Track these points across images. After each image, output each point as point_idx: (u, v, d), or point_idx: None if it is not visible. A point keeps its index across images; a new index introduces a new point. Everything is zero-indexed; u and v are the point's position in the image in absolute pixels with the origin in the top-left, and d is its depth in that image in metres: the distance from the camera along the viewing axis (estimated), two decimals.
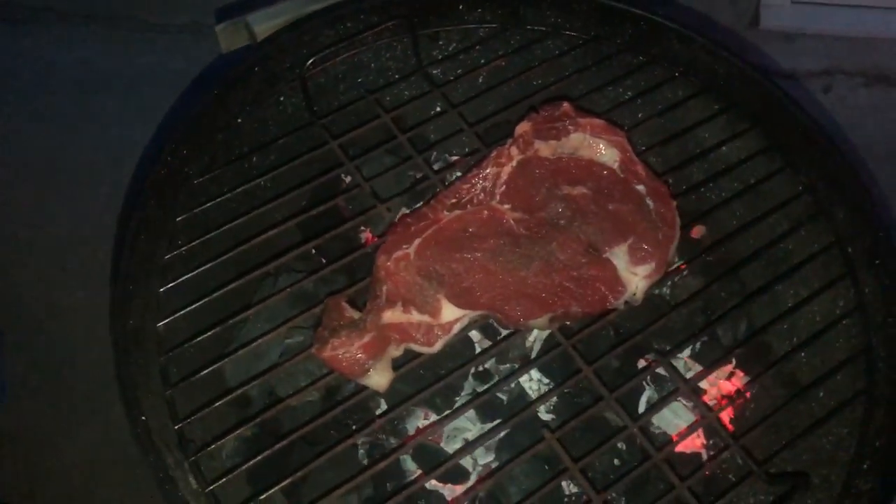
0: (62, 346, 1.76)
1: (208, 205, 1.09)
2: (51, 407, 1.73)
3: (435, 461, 1.05)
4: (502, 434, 1.10)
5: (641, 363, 1.18)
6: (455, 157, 1.31)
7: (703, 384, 1.19)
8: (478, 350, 1.15)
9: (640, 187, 1.10)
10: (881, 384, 1.01)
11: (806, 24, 2.26)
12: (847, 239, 1.10)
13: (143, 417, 0.89)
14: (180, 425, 0.94)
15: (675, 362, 1.21)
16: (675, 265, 1.19)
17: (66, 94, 2.09)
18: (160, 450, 0.89)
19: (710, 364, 1.08)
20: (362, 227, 1.27)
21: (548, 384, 1.15)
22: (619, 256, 1.04)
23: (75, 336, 1.76)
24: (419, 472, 1.09)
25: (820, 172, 1.14)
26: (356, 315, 1.00)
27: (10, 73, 2.13)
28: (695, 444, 1.18)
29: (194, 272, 1.04)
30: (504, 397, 1.14)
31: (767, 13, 2.28)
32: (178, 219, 1.07)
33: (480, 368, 1.16)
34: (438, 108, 1.21)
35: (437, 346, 1.00)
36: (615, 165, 1.11)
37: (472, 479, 1.11)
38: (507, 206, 1.07)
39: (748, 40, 2.25)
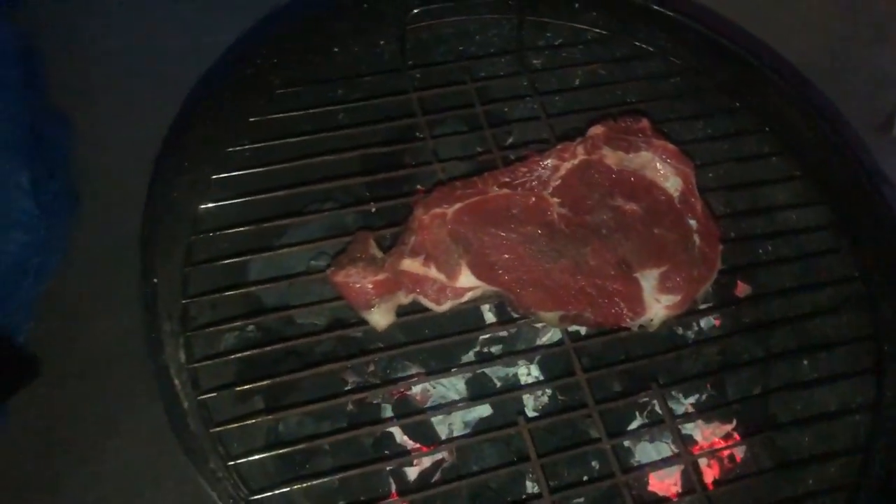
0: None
1: (282, 115, 1.14)
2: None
3: (413, 415, 1.08)
4: (484, 414, 1.12)
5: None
6: (522, 143, 1.32)
7: (697, 435, 1.17)
8: (486, 326, 1.16)
9: (692, 222, 1.09)
10: (870, 486, 0.98)
11: None
12: (885, 336, 1.07)
13: (155, 281, 0.94)
14: (187, 301, 0.99)
15: (675, 406, 1.19)
16: (705, 308, 1.18)
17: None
18: (160, 316, 0.94)
19: (707, 414, 1.06)
20: (418, 185, 1.30)
21: (543, 380, 1.15)
22: (648, 279, 1.04)
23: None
24: (394, 420, 1.12)
25: (880, 263, 1.10)
26: (379, 253, 1.03)
27: None
28: (669, 489, 1.16)
29: (249, 170, 1.09)
30: (497, 382, 1.15)
31: None
32: (250, 119, 1.12)
33: (485, 350, 1.17)
34: (523, 93, 1.22)
35: (445, 307, 1.02)
36: (675, 194, 1.10)
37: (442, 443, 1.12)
38: (555, 200, 1.08)
39: (872, 142, 2.16)
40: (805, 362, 1.14)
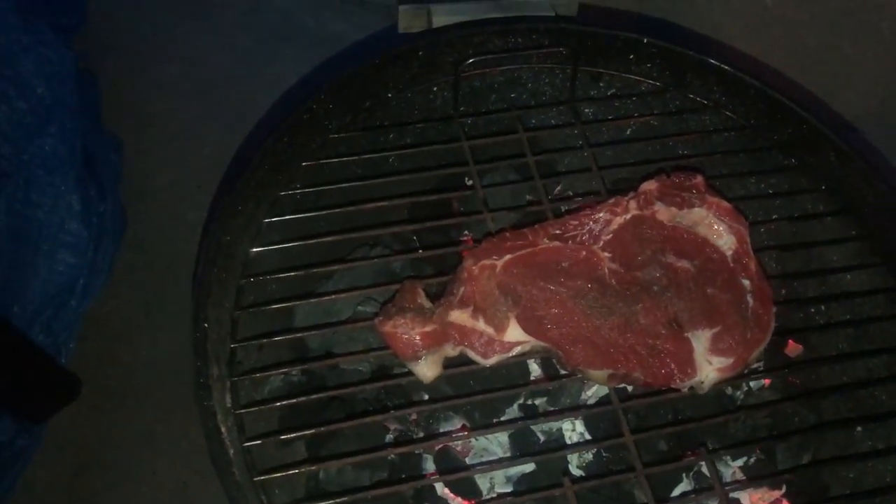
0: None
1: (335, 160, 1.15)
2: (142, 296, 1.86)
3: (454, 470, 1.06)
4: (526, 470, 1.10)
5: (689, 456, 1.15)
6: (572, 195, 1.31)
7: (745, 500, 1.14)
8: (532, 379, 1.15)
9: (746, 282, 1.07)
10: None
11: None
12: None
13: (206, 325, 0.94)
14: (236, 345, 0.99)
15: (724, 469, 1.17)
16: (757, 370, 1.16)
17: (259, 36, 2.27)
18: (209, 359, 0.94)
19: (756, 481, 1.03)
20: (466, 231, 1.30)
21: (589, 439, 1.13)
22: (699, 340, 1.02)
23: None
24: (436, 473, 1.10)
25: None
26: (427, 304, 1.02)
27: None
28: None
29: (300, 215, 1.10)
30: (541, 436, 1.13)
31: None
32: (303, 163, 1.13)
33: (529, 403, 1.16)
34: (575, 144, 1.22)
35: (492, 361, 1.01)
36: (728, 252, 1.08)
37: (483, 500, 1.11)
38: (607, 255, 1.07)
39: None
40: (859, 429, 1.11)
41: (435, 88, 1.25)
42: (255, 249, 1.06)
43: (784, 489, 1.15)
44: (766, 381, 1.21)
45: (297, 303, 1.05)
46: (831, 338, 1.18)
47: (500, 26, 1.24)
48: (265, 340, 1.02)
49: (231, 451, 0.91)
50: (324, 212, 1.11)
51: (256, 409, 0.97)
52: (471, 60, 1.17)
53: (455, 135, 1.20)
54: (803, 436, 1.05)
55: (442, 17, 1.27)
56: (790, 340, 1.24)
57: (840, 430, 1.06)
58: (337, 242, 1.10)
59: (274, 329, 1.06)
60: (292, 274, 1.05)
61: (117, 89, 2.12)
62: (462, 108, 1.24)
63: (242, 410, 0.96)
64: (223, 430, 0.91)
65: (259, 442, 0.93)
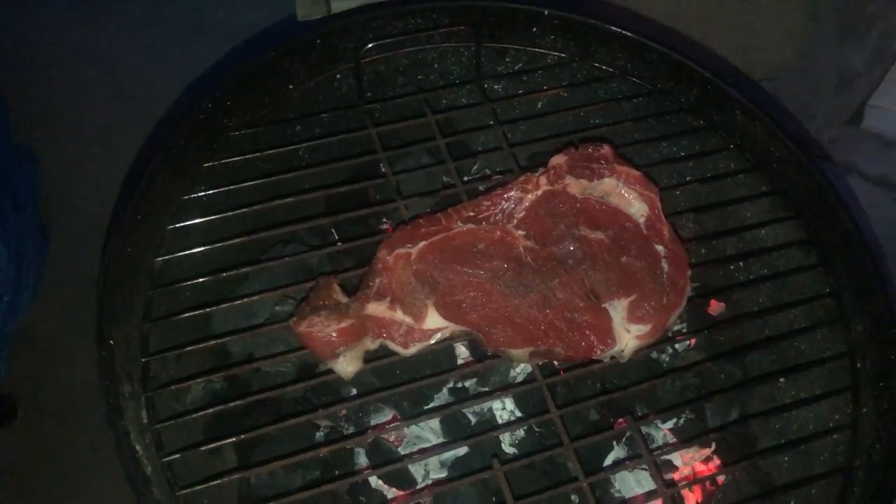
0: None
1: (238, 158, 1.12)
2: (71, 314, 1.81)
3: (388, 461, 1.05)
4: (461, 453, 1.10)
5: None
6: (488, 173, 1.31)
7: (677, 461, 1.16)
8: (459, 364, 1.14)
9: (660, 248, 1.07)
10: None
11: None
12: (859, 353, 1.06)
13: (111, 342, 0.92)
14: (147, 360, 0.97)
15: (654, 431, 1.18)
16: (682, 334, 1.17)
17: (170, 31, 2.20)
18: (119, 378, 0.91)
19: (686, 443, 1.05)
20: (385, 219, 1.28)
21: (520, 417, 1.14)
22: (617, 310, 1.02)
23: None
24: (370, 467, 1.10)
25: (850, 280, 1.09)
26: (343, 299, 1.01)
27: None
28: None
29: (206, 218, 1.07)
30: (473, 418, 1.13)
31: (872, 113, 2.19)
32: (204, 165, 1.10)
33: (458, 385, 1.15)
34: (486, 122, 1.21)
35: (412, 351, 1.00)
36: (641, 220, 1.09)
37: (418, 488, 1.11)
38: (521, 233, 1.06)
39: (844, 136, 2.17)
40: (782, 381, 1.13)
41: (338, 77, 1.23)
42: (161, 258, 1.03)
43: (714, 446, 1.17)
44: (692, 342, 1.22)
45: (211, 309, 1.02)
46: (752, 293, 1.20)
47: (400, 8, 1.22)
48: (181, 351, 0.99)
49: (149, 469, 0.89)
50: (232, 213, 1.08)
51: (175, 422, 0.94)
52: (370, 46, 1.14)
53: (363, 122, 1.18)
54: (730, 393, 1.06)
55: (341, 3, 1.24)
56: (712, 300, 1.25)
57: (765, 384, 1.08)
58: (249, 243, 1.08)
59: (195, 337, 1.03)
60: (203, 280, 1.03)
61: (26, 101, 2.04)
62: (368, 95, 1.22)
63: (160, 425, 0.94)
64: (139, 448, 0.89)
65: (178, 456, 0.91)
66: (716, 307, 1.26)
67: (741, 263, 1.21)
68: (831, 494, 0.99)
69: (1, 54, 2.13)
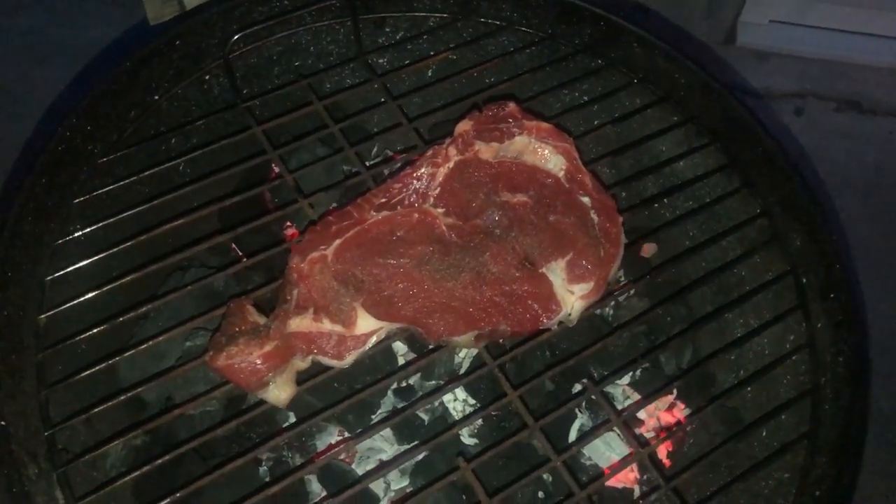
0: None
1: (112, 187, 0.99)
2: None
3: (343, 484, 0.96)
4: (420, 457, 1.02)
5: (577, 388, 1.10)
6: (391, 154, 1.22)
7: (642, 414, 1.12)
8: (401, 364, 1.06)
9: (586, 199, 1.01)
10: (826, 428, 0.94)
11: (782, 45, 2.22)
12: (801, 269, 1.03)
13: (2, 422, 0.79)
14: (52, 431, 0.84)
15: (613, 389, 1.14)
16: (621, 284, 1.12)
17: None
18: (20, 460, 0.79)
19: (649, 393, 1.00)
20: (288, 223, 1.18)
21: (473, 405, 1.07)
22: (555, 272, 0.96)
23: None
24: (325, 494, 1.00)
25: (778, 196, 1.07)
26: (261, 320, 0.91)
27: None
28: (628, 478, 1.10)
29: (89, 260, 0.94)
30: (425, 417, 1.05)
31: (744, 30, 2.23)
32: (74, 201, 0.97)
33: (403, 385, 1.07)
34: (378, 100, 1.11)
35: (348, 361, 0.91)
36: (560, 174, 1.02)
37: None
38: (440, 211, 0.98)
39: (722, 56, 2.19)
40: (729, 315, 1.09)
41: (207, 77, 1.11)
42: (44, 315, 0.90)
43: (675, 392, 1.13)
44: (632, 291, 1.18)
45: (114, 360, 0.90)
46: (682, 229, 1.16)
47: None
48: (89, 413, 0.87)
49: None
50: (117, 248, 0.96)
51: (96, 495, 0.82)
52: (236, 37, 1.03)
53: (244, 122, 1.07)
54: (680, 337, 1.02)
55: None
56: (644, 243, 1.21)
57: (713, 321, 1.04)
58: (142, 278, 0.95)
59: (102, 395, 0.91)
60: (96, 330, 0.90)
61: None
62: (245, 91, 1.10)
63: (83, 501, 0.81)
64: None
65: None
66: (648, 250, 1.21)
67: (665, 200, 1.16)
68: (803, 417, 0.97)
69: None
